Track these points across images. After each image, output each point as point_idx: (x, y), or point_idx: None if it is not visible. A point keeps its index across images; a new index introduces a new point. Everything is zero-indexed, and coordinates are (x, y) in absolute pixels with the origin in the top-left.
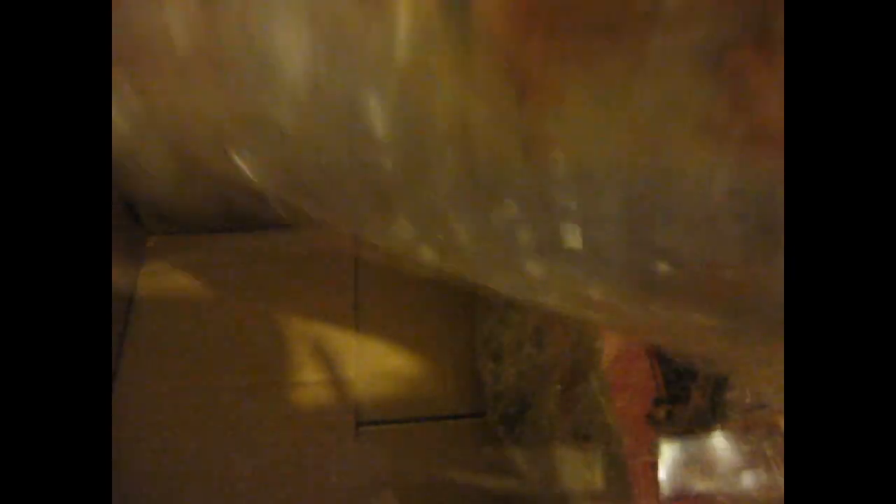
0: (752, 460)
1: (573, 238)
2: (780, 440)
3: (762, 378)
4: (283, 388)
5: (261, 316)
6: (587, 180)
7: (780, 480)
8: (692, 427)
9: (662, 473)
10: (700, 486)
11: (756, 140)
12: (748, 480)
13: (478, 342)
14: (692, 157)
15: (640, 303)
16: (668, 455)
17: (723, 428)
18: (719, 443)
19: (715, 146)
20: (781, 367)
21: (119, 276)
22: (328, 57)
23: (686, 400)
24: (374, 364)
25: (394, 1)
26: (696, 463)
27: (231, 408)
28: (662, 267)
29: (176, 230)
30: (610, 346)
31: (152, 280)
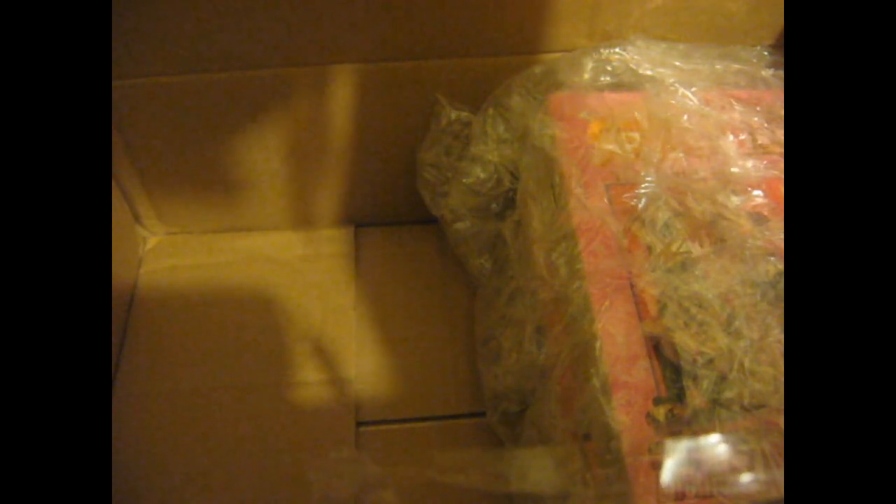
0: (752, 460)
1: None
2: (780, 440)
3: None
4: (283, 388)
5: (261, 316)
6: None
7: (780, 480)
8: (692, 427)
9: (662, 473)
10: (700, 486)
11: None
12: (748, 480)
13: (478, 342)
14: None
15: None
16: (668, 455)
17: (722, 428)
18: (719, 442)
19: None
20: None
21: (119, 277)
22: None
23: (686, 399)
24: (374, 364)
25: None
26: (696, 463)
27: (231, 408)
28: None
29: (176, 230)
30: (610, 346)
31: (152, 280)
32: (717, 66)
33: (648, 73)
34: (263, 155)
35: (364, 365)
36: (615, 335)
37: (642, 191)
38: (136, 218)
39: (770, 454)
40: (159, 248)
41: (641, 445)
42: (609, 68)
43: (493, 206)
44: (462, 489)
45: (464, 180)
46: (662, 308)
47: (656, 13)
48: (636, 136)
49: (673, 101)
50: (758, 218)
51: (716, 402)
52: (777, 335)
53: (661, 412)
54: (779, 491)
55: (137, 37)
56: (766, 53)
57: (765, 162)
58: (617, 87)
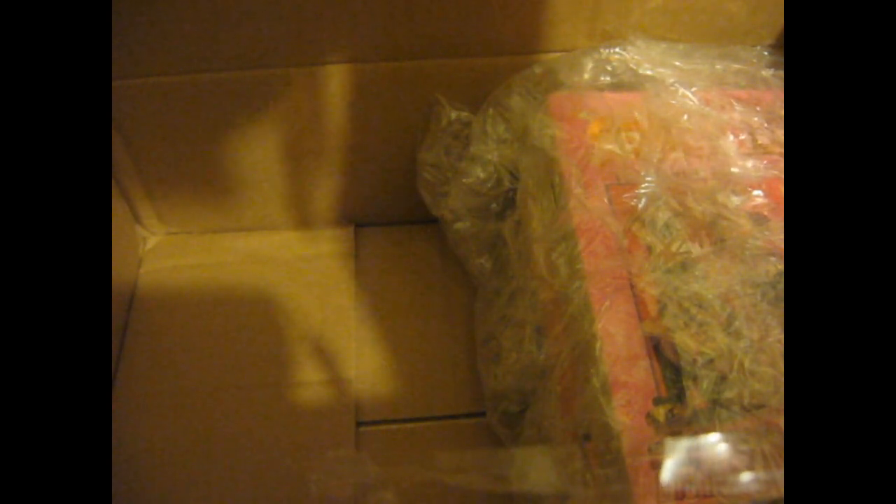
0: (752, 460)
1: None
2: (780, 440)
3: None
4: (283, 388)
5: (261, 316)
6: None
7: (780, 480)
8: (692, 427)
9: (662, 473)
10: (700, 486)
11: None
12: (748, 480)
13: (478, 342)
14: None
15: None
16: (668, 455)
17: (722, 428)
18: (719, 442)
19: None
20: None
21: (119, 277)
22: None
23: (686, 400)
24: (374, 364)
25: None
26: (696, 463)
27: (231, 408)
28: None
29: (176, 230)
30: (610, 346)
31: (152, 280)
32: (717, 66)
33: (648, 73)
34: (263, 155)
35: (364, 365)
36: (615, 335)
37: (642, 191)
38: (136, 218)
39: (770, 454)
40: (159, 248)
41: (641, 445)
42: (609, 68)
43: (493, 206)
44: (462, 489)
45: (464, 180)
46: (662, 308)
47: (656, 13)
48: (636, 136)
49: (673, 101)
50: (758, 218)
51: (716, 402)
52: (777, 335)
53: (661, 412)
54: (779, 491)
55: (137, 37)
56: (766, 53)
57: (765, 162)
58: (617, 87)
